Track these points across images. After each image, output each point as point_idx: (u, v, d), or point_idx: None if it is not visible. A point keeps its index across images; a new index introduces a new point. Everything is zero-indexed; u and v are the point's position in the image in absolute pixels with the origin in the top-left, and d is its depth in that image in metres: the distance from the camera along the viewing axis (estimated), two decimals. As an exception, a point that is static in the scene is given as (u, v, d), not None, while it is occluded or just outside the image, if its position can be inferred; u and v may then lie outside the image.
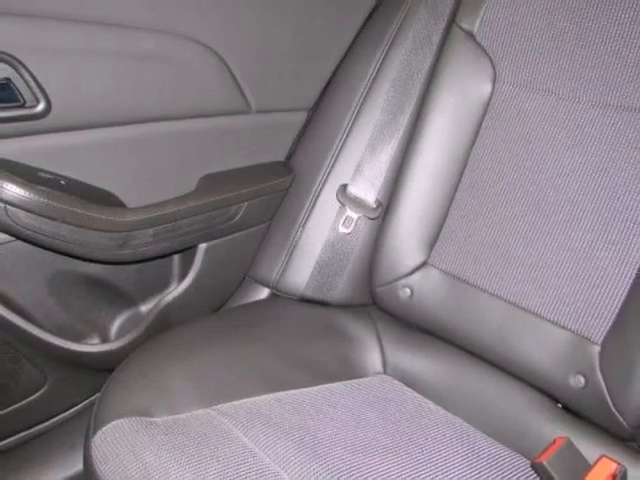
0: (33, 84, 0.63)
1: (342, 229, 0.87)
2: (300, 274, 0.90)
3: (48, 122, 0.66)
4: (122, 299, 0.88)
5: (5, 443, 0.82)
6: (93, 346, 0.83)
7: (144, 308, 0.91)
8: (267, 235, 0.94)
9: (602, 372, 0.65)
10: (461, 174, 0.78)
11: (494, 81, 0.76)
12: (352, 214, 0.87)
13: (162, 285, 0.91)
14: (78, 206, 0.68)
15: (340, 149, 0.89)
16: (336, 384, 0.75)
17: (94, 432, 0.61)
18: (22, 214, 0.64)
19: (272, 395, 0.69)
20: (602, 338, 0.66)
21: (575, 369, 0.67)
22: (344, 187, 0.88)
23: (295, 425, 0.65)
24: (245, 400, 0.67)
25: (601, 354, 0.66)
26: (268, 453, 0.60)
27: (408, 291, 0.80)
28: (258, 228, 0.93)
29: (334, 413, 0.69)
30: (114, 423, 0.61)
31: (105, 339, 0.87)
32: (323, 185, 0.90)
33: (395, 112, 0.86)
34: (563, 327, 0.69)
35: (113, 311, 0.89)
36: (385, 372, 0.81)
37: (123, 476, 0.55)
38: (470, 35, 0.78)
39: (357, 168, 0.87)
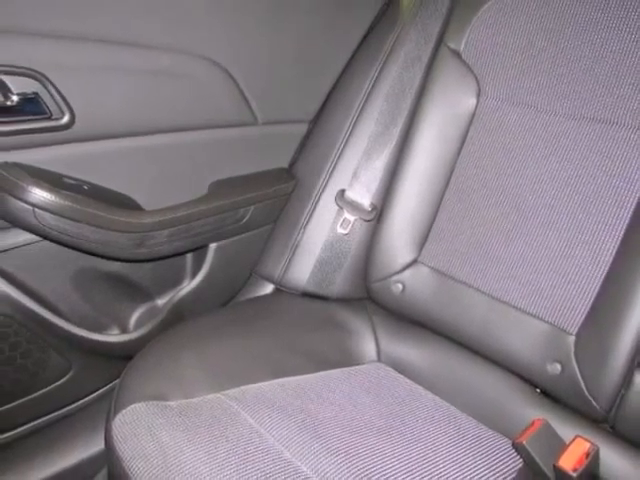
0: (59, 98, 0.63)
1: (340, 230, 0.87)
2: (302, 271, 0.90)
3: (72, 133, 0.66)
4: (140, 294, 0.89)
5: (34, 425, 0.82)
6: (113, 336, 0.83)
7: (160, 302, 0.91)
8: (272, 235, 0.94)
9: (577, 360, 0.66)
10: (448, 180, 0.78)
11: (478, 95, 0.76)
12: (349, 216, 0.87)
13: (176, 281, 0.91)
14: (99, 209, 0.68)
15: (338, 157, 0.89)
16: (335, 371, 0.75)
17: (114, 414, 0.61)
18: (48, 216, 0.64)
19: (276, 381, 0.70)
20: (577, 329, 0.66)
21: (552, 357, 0.67)
22: (342, 192, 0.88)
23: (297, 408, 0.65)
24: (252, 385, 0.68)
25: (576, 344, 0.66)
26: (272, 434, 0.60)
27: (400, 286, 0.80)
28: (264, 229, 0.93)
29: (333, 397, 0.69)
30: (133, 406, 0.61)
31: (124, 330, 0.87)
32: (323, 190, 0.90)
33: (388, 124, 0.86)
34: (541, 319, 0.69)
35: (132, 305, 0.89)
36: (379, 360, 0.81)
37: (141, 454, 0.55)
38: (457, 54, 0.78)
39: (354, 174, 0.87)
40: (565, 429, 0.65)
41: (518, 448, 0.61)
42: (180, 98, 0.74)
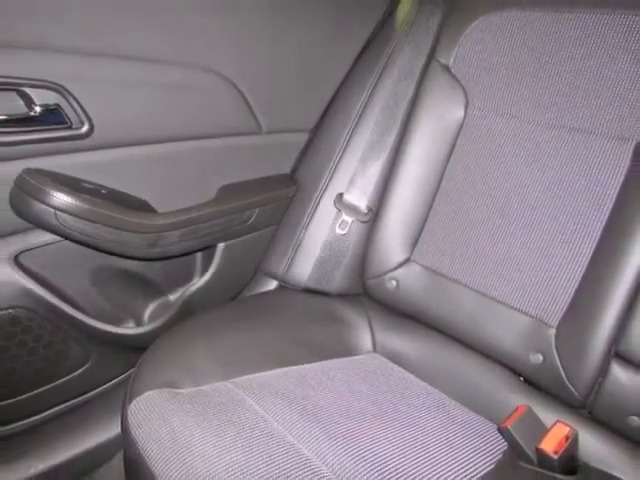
0: (79, 109, 0.63)
1: (339, 231, 0.88)
2: (303, 268, 0.90)
3: (91, 141, 0.66)
4: (153, 290, 0.89)
5: (56, 410, 0.82)
6: (129, 329, 0.83)
7: (172, 297, 0.91)
8: (275, 236, 0.95)
9: (557, 351, 0.66)
10: (439, 184, 0.78)
11: (466, 107, 0.77)
12: (347, 218, 0.87)
13: (187, 278, 0.91)
14: (116, 211, 0.68)
15: (337, 164, 0.89)
16: (333, 361, 0.75)
17: (130, 401, 0.61)
18: (69, 218, 0.64)
19: (279, 370, 0.70)
20: (557, 322, 0.66)
21: (534, 348, 0.68)
22: (340, 195, 0.88)
23: (299, 395, 0.65)
24: (257, 374, 0.68)
25: (557, 336, 0.66)
26: (276, 419, 0.60)
27: (394, 283, 0.80)
28: (268, 230, 0.93)
29: (332, 385, 0.69)
30: (147, 394, 0.61)
31: (139, 323, 0.87)
32: (322, 194, 0.90)
33: (383, 133, 0.86)
34: (525, 313, 0.69)
35: (146, 300, 0.89)
36: (375, 351, 0.81)
37: (154, 438, 0.56)
38: (446, 68, 0.78)
39: (351, 180, 0.88)
40: (546, 414, 0.65)
41: (503, 432, 0.61)
42: (190, 109, 0.74)
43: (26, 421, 0.80)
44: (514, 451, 0.61)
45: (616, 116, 0.64)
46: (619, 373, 0.62)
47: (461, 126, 0.77)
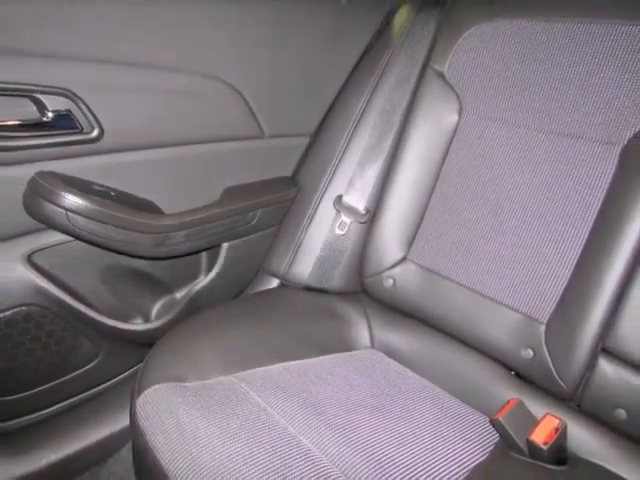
0: (89, 114, 0.63)
1: (338, 231, 0.88)
2: (304, 267, 0.90)
3: (101, 145, 0.66)
4: (160, 288, 0.89)
5: (67, 403, 0.83)
6: (137, 325, 0.83)
7: (178, 295, 0.91)
8: (277, 236, 0.95)
9: (547, 346, 0.66)
10: (434, 186, 0.78)
11: (460, 112, 0.77)
12: (346, 219, 0.87)
13: (192, 276, 0.91)
14: (125, 212, 0.68)
15: (336, 167, 0.89)
16: (333, 356, 0.75)
17: (138, 394, 0.61)
18: (80, 219, 0.64)
19: (281, 364, 0.70)
20: (547, 319, 0.67)
21: (525, 344, 0.68)
22: (339, 197, 0.88)
23: (300, 389, 0.65)
24: (259, 369, 0.68)
25: (546, 332, 0.66)
26: (278, 411, 0.60)
27: (391, 281, 0.80)
28: (270, 230, 0.94)
29: (331, 379, 0.69)
30: (154, 387, 0.61)
31: (147, 320, 0.88)
32: (322, 196, 0.90)
33: (380, 137, 0.86)
34: (516, 310, 0.69)
35: (153, 297, 0.89)
36: (373, 347, 0.81)
37: (161, 430, 0.56)
38: (441, 75, 0.78)
39: (350, 182, 0.88)
40: (537, 407, 0.65)
41: (495, 424, 0.61)
42: (195, 114, 0.74)
43: (39, 414, 0.80)
44: (506, 442, 0.61)
45: (603, 121, 0.65)
46: (606, 368, 0.62)
47: (455, 131, 0.77)
